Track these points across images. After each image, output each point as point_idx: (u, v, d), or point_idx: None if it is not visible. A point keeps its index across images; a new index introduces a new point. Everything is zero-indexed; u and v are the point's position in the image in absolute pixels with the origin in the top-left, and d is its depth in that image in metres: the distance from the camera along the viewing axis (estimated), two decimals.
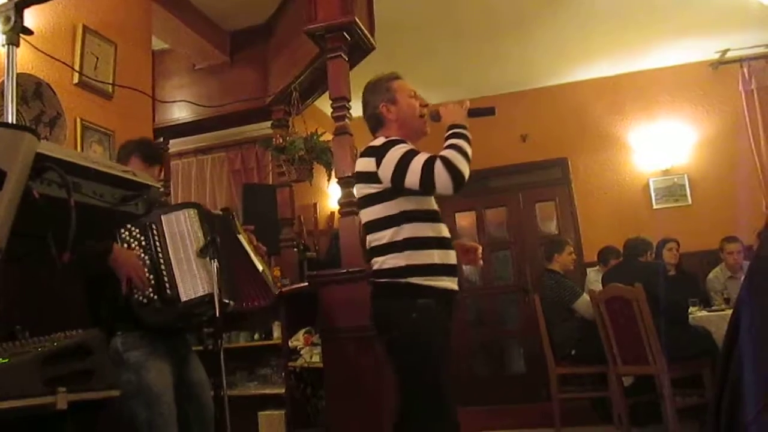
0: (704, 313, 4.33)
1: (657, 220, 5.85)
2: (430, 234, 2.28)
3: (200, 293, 2.16)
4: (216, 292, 2.13)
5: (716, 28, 5.43)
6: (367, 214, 2.36)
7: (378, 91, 2.46)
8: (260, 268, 2.41)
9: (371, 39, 3.81)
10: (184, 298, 2.16)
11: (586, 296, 4.58)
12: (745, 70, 5.94)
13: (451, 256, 2.34)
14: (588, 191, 6.31)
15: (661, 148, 6.11)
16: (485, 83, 6.12)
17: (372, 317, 2.40)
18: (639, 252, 4.46)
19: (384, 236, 2.28)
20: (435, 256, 2.26)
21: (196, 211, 2.30)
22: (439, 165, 2.15)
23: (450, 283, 2.31)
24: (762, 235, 1.02)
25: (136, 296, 2.15)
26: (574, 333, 4.61)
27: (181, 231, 2.23)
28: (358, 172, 2.39)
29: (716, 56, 6.00)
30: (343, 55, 3.63)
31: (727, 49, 5.88)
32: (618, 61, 6.02)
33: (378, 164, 2.26)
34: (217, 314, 2.13)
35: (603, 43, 5.60)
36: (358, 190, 2.41)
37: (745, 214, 5.08)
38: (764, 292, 0.92)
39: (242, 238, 2.45)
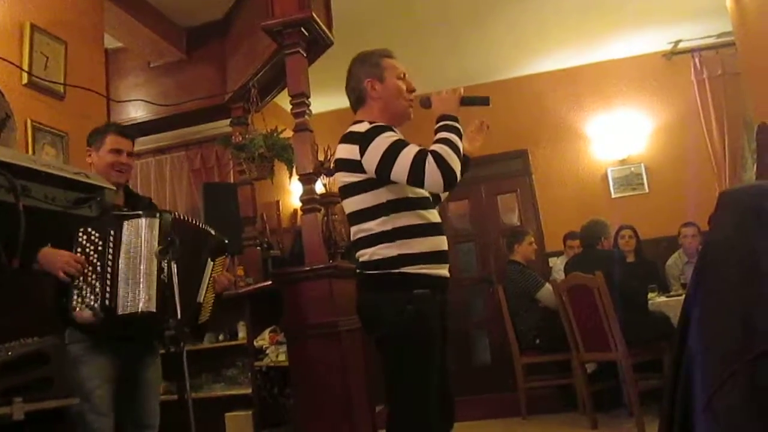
0: (663, 298, 4.44)
1: (616, 209, 5.94)
2: (422, 221, 2.16)
3: (138, 309, 2.13)
4: (177, 295, 2.09)
5: (668, 19, 5.54)
6: (351, 204, 2.20)
7: (367, 63, 2.32)
8: (200, 299, 2.37)
9: (329, 34, 3.79)
10: (120, 311, 2.13)
11: (548, 286, 4.65)
12: (697, 60, 6.08)
13: (443, 242, 2.22)
14: (548, 182, 6.39)
15: (618, 138, 6.22)
16: (443, 76, 6.10)
17: (359, 311, 2.25)
18: (596, 238, 4.53)
19: (371, 226, 2.14)
20: (429, 244, 2.15)
21: (158, 221, 2.23)
22: (431, 161, 2.03)
23: (444, 270, 2.21)
24: (712, 219, 1.03)
25: (73, 303, 2.10)
26: (538, 322, 4.68)
27: (138, 240, 2.18)
28: (339, 159, 2.21)
29: (669, 47, 6.13)
30: (301, 50, 3.61)
31: (680, 40, 6.01)
32: (574, 53, 6.10)
33: (362, 152, 2.11)
34: (179, 315, 2.09)
35: (559, 35, 5.66)
36: (340, 179, 2.23)
37: (699, 200, 5.19)
38: (712, 277, 0.94)
39: (209, 264, 2.41)
